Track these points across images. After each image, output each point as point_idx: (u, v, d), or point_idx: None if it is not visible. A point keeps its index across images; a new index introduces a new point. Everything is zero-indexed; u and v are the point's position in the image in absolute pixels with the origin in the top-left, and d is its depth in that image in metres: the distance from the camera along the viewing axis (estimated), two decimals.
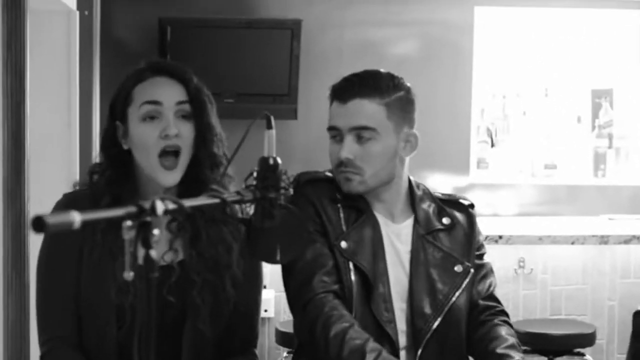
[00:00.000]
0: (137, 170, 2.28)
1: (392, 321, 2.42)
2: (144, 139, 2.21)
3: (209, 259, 2.26)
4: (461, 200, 2.64)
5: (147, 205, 1.43)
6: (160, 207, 1.44)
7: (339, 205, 2.48)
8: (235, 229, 2.30)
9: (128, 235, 1.44)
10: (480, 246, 2.61)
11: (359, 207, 2.48)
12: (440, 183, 5.32)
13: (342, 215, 2.47)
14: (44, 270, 2.29)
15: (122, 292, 2.16)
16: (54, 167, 4.09)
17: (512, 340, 2.44)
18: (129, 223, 1.43)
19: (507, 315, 2.57)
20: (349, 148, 2.40)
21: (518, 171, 5.56)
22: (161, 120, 2.22)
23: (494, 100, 5.56)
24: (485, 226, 4.85)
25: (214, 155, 2.28)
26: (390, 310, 2.42)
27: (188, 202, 1.58)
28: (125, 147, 2.27)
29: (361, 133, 2.39)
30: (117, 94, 2.30)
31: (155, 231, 1.45)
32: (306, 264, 2.42)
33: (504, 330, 2.48)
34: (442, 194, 2.65)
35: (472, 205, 2.65)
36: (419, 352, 2.43)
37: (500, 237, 4.34)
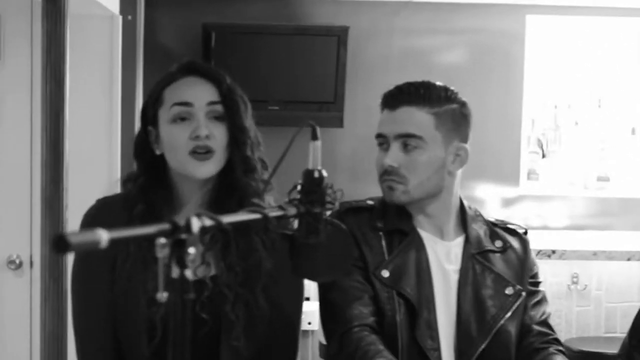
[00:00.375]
0: (171, 175, 2.19)
1: (437, 349, 2.31)
2: (173, 140, 2.13)
3: (240, 272, 2.17)
4: (514, 227, 2.52)
5: (182, 222, 1.33)
6: (196, 224, 1.34)
7: (380, 233, 2.38)
8: (268, 240, 2.20)
9: (162, 253, 1.34)
10: (535, 274, 2.48)
11: (402, 230, 2.37)
12: (489, 194, 5.23)
13: (384, 243, 2.37)
14: (79, 281, 2.22)
15: (153, 304, 2.07)
16: (94, 176, 4.04)
17: None
18: (162, 240, 1.34)
19: (561, 344, 2.45)
20: (394, 156, 2.31)
21: (569, 183, 5.43)
22: (191, 122, 2.13)
23: (545, 110, 5.44)
24: (535, 239, 4.75)
25: (248, 158, 2.19)
26: (436, 337, 2.31)
27: (227, 218, 1.48)
28: (157, 152, 2.18)
29: (407, 141, 2.30)
30: (148, 98, 2.23)
31: (191, 250, 1.35)
32: (342, 294, 2.32)
33: (559, 358, 2.36)
34: (495, 219, 2.53)
35: (525, 232, 2.53)
36: None
37: (554, 251, 4.20)
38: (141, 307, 2.10)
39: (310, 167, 1.77)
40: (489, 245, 2.42)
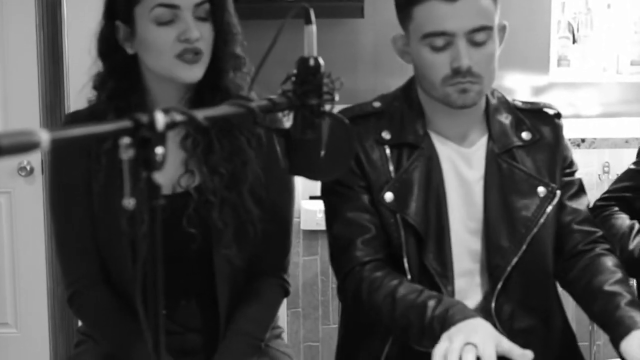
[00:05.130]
0: (147, 77, 2.03)
1: (449, 277, 2.11)
2: (159, 43, 1.96)
3: (225, 175, 2.02)
4: (545, 109, 2.28)
5: (144, 118, 1.16)
6: (161, 119, 1.18)
7: (385, 146, 2.15)
8: (252, 137, 2.05)
9: (126, 154, 1.18)
10: (570, 162, 2.26)
11: (413, 143, 2.14)
12: (518, 82, 5.03)
13: (390, 158, 2.14)
14: (56, 209, 2.10)
15: (133, 221, 1.94)
16: None
17: (620, 274, 2.10)
18: (126, 140, 1.18)
19: (608, 241, 2.22)
20: (468, 54, 2.02)
21: (602, 69, 5.20)
22: (178, 23, 1.96)
23: None
24: (566, 128, 4.57)
25: (237, 56, 2.04)
26: (449, 263, 2.11)
27: (203, 113, 1.31)
28: (130, 51, 2.01)
29: (476, 36, 2.03)
30: None
31: (159, 150, 1.19)
32: (345, 228, 2.13)
33: (609, 261, 2.13)
34: (523, 102, 2.28)
35: (558, 115, 2.29)
36: (496, 293, 2.11)
37: (583, 140, 3.99)
38: (122, 224, 1.97)
39: (305, 54, 1.61)
40: (515, 141, 2.18)
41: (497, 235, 2.12)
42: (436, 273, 2.10)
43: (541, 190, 2.16)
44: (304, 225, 3.97)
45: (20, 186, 4.07)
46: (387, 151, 2.15)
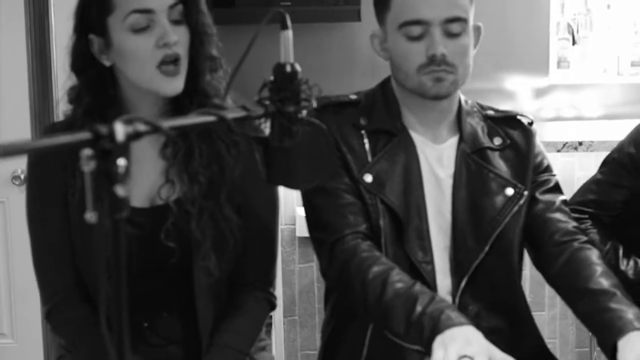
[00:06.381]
0: (126, 89, 1.98)
1: (430, 262, 2.10)
2: (138, 52, 1.92)
3: (204, 183, 1.98)
4: (519, 117, 2.27)
5: (104, 129, 1.12)
6: (120, 130, 1.13)
7: (362, 132, 2.15)
8: (232, 145, 2.01)
9: (87, 166, 1.14)
10: (544, 167, 2.24)
11: (389, 131, 2.14)
12: (518, 85, 4.99)
13: (367, 144, 2.14)
14: (33, 222, 2.06)
15: (106, 235, 1.91)
16: None
17: (603, 267, 2.06)
18: (87, 152, 1.13)
19: (584, 232, 2.18)
20: (443, 43, 2.06)
21: (602, 70, 5.15)
22: (154, 29, 1.92)
23: None
24: (567, 131, 4.51)
25: (213, 57, 2.00)
26: (429, 249, 2.10)
27: (170, 122, 1.27)
28: (107, 63, 1.97)
29: (450, 26, 2.07)
30: (86, 2, 1.97)
31: (121, 162, 1.15)
32: (330, 198, 2.10)
33: (592, 255, 2.09)
34: (496, 111, 2.27)
35: (531, 123, 2.27)
36: (459, 291, 2.10)
37: (580, 143, 3.94)
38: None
39: (282, 60, 1.56)
40: (486, 143, 2.18)
41: (463, 234, 2.12)
42: (417, 260, 2.09)
43: (509, 191, 2.16)
44: (299, 232, 3.92)
45: (15, 195, 4.03)
46: (365, 137, 2.16)
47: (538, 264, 2.21)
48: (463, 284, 2.11)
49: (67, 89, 2.04)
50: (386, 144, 2.14)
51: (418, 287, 1.95)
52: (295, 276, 3.98)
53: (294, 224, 3.91)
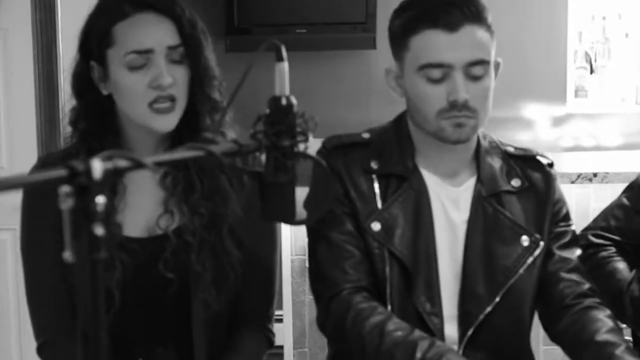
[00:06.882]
0: (122, 119, 1.95)
1: (438, 315, 2.01)
2: (131, 90, 1.88)
3: (205, 215, 1.94)
4: (538, 157, 2.16)
5: (80, 165, 1.08)
6: (98, 167, 1.09)
7: (373, 176, 2.05)
8: (235, 177, 1.97)
9: (65, 204, 1.10)
10: (563, 215, 2.13)
11: (401, 174, 2.05)
12: (535, 113, 4.95)
13: (377, 188, 2.05)
14: (26, 256, 2.03)
15: (106, 269, 1.87)
16: None
17: (612, 323, 1.97)
18: (65, 189, 1.09)
19: (597, 294, 2.09)
20: (465, 87, 1.93)
21: (620, 99, 5.10)
22: (150, 67, 1.88)
23: (593, 22, 5.09)
24: (584, 161, 4.44)
25: (214, 101, 1.96)
26: (437, 301, 2.00)
27: (155, 157, 1.23)
28: (104, 92, 1.94)
29: (473, 69, 1.94)
30: (89, 29, 1.94)
31: (100, 199, 1.11)
32: (330, 250, 2.03)
33: (600, 313, 2.00)
34: (515, 148, 2.16)
35: (551, 164, 2.17)
36: (465, 341, 2.01)
37: (595, 174, 3.87)
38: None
39: (277, 93, 1.52)
40: (504, 186, 2.08)
41: (474, 281, 2.02)
42: (425, 312, 2.00)
43: (524, 239, 2.05)
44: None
45: None
46: (375, 182, 2.06)
47: (543, 318, 2.13)
48: (470, 332, 2.02)
49: (69, 108, 2.02)
50: (397, 189, 2.04)
51: (417, 333, 1.89)
52: (306, 307, 3.92)
53: (305, 255, 3.86)
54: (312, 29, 4.71)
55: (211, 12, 4.83)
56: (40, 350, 2.04)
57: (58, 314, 2.00)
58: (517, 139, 4.90)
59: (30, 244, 2.02)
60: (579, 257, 2.12)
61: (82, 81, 1.95)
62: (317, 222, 2.06)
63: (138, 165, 1.18)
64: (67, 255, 1.13)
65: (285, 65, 1.52)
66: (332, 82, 4.90)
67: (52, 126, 3.93)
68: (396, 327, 1.90)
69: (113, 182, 1.92)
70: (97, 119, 1.95)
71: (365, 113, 4.82)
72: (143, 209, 2.00)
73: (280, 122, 1.47)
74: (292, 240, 3.68)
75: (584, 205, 3.84)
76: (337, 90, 4.93)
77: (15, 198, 3.87)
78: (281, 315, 3.72)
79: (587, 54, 5.12)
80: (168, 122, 1.90)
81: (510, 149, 2.15)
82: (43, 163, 2.03)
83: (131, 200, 1.97)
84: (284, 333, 3.68)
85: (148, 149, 1.95)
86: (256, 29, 4.70)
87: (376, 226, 2.02)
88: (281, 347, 3.81)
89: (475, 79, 1.95)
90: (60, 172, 1.07)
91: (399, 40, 2.02)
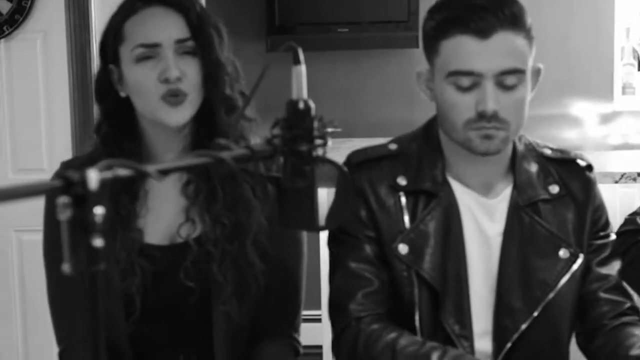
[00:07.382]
0: (141, 122, 1.94)
1: (468, 337, 1.92)
2: (141, 83, 1.87)
3: (227, 225, 1.91)
4: (577, 161, 2.04)
5: (76, 175, 1.05)
6: (93, 178, 1.06)
7: (400, 194, 1.96)
8: (257, 185, 1.93)
9: (63, 215, 1.07)
10: (604, 225, 2.03)
11: (429, 191, 1.95)
12: (583, 111, 4.87)
13: (405, 207, 1.95)
14: (48, 263, 2.03)
15: (127, 275, 1.85)
16: None
17: None
18: (64, 199, 1.06)
19: (638, 312, 2.00)
20: (495, 97, 1.82)
21: None
22: (159, 62, 1.86)
23: None
24: (632, 158, 4.35)
25: (228, 97, 1.92)
26: (467, 323, 1.92)
27: (159, 166, 1.20)
28: (122, 94, 1.92)
29: (506, 79, 1.83)
30: (106, 32, 1.94)
31: (98, 210, 1.08)
32: (346, 279, 1.96)
33: (637, 330, 1.92)
34: (553, 150, 2.04)
35: (589, 167, 2.05)
36: (501, 356, 1.92)
37: (639, 174, 3.78)
38: (114, 279, 1.88)
39: (294, 96, 1.48)
40: (541, 194, 1.96)
41: (509, 295, 1.93)
42: (454, 334, 1.92)
43: (563, 252, 1.95)
44: None
45: None
46: (402, 199, 1.97)
47: (579, 336, 2.05)
48: (506, 349, 1.93)
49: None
50: (426, 206, 1.95)
51: (428, 344, 1.83)
52: None
53: None
54: (353, 27, 4.68)
55: (252, 13, 4.82)
56: (61, 357, 2.03)
57: (78, 321, 1.99)
58: (564, 136, 4.83)
59: (51, 250, 2.01)
60: (619, 272, 2.03)
61: (103, 85, 1.95)
62: (337, 244, 2.01)
63: (140, 174, 1.15)
64: (66, 267, 1.09)
65: (302, 68, 1.48)
66: (375, 81, 4.86)
67: (86, 129, 3.97)
68: (407, 343, 1.85)
69: (135, 188, 1.93)
70: (117, 124, 1.94)
71: (409, 112, 4.76)
72: (164, 216, 1.98)
73: (298, 126, 1.44)
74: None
75: (628, 204, 3.75)
76: (379, 89, 4.89)
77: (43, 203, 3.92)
78: (319, 315, 3.68)
79: (634, 51, 5.03)
80: (179, 115, 1.88)
81: (547, 152, 2.05)
82: (65, 167, 2.01)
83: (153, 206, 1.96)
84: (322, 332, 3.64)
85: (169, 152, 1.94)
86: (298, 28, 4.69)
87: (404, 249, 1.93)
88: (320, 346, 3.77)
89: (508, 88, 1.84)
90: (56, 182, 1.05)
91: (431, 43, 1.92)
